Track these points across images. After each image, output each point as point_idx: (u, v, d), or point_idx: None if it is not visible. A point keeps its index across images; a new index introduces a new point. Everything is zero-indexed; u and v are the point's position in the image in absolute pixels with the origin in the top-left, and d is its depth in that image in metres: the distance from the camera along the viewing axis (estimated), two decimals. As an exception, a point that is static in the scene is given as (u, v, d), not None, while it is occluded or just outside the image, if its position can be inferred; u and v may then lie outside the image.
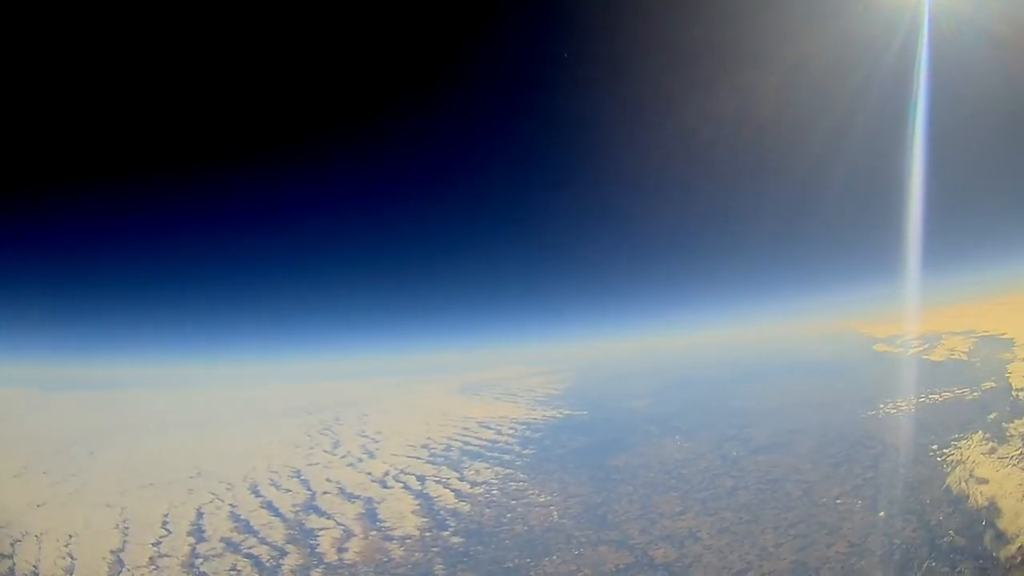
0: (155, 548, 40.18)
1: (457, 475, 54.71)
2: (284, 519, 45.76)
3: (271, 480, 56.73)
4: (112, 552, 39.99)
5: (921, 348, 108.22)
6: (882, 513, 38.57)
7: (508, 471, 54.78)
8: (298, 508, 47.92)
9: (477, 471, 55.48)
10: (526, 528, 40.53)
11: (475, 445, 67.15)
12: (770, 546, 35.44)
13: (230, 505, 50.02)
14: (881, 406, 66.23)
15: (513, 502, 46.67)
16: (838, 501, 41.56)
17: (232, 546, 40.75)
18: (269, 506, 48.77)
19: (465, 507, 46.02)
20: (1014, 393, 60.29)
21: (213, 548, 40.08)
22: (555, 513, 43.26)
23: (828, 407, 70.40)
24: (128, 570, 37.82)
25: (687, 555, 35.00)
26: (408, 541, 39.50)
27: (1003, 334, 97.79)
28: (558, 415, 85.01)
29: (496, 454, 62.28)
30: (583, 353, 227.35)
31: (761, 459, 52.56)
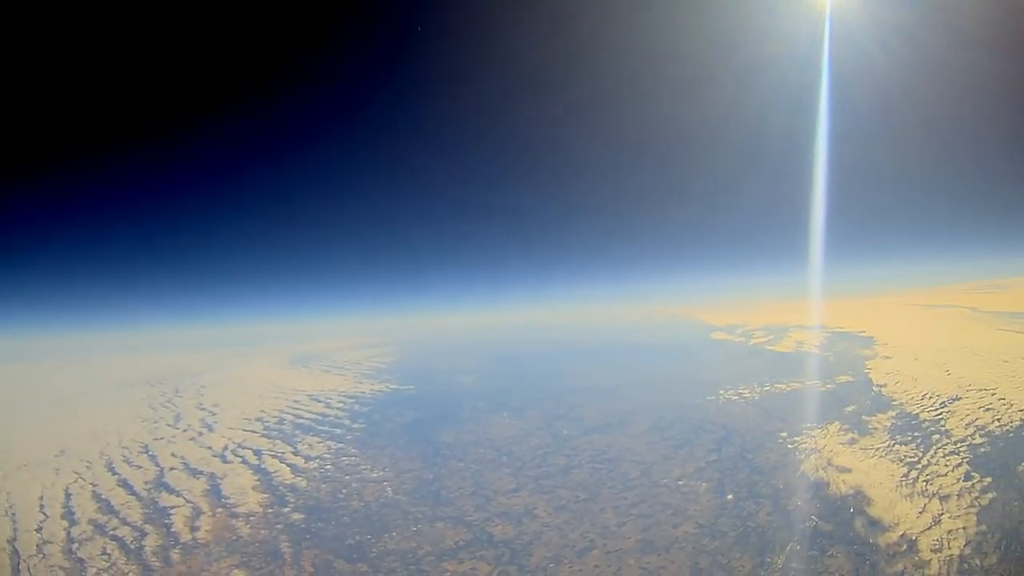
0: (39, 535, 37.38)
1: (292, 449, 53.04)
2: (139, 498, 43.18)
3: (124, 456, 54.23)
4: (9, 542, 36.63)
5: (766, 339, 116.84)
6: (730, 496, 37.96)
7: (340, 445, 53.47)
8: (150, 485, 45.56)
9: (310, 445, 54.09)
10: (362, 504, 38.73)
11: (307, 418, 65.96)
12: (612, 525, 34.46)
13: (92, 485, 47.22)
14: (721, 392, 68.21)
15: (347, 477, 44.83)
16: (680, 483, 40.99)
17: (99, 528, 38.07)
18: (125, 484, 46.18)
19: (302, 483, 44.19)
20: (875, 388, 64.93)
21: (84, 532, 37.35)
22: (389, 489, 41.51)
23: (665, 390, 71.80)
24: (24, 560, 34.64)
25: (526, 532, 33.94)
26: (252, 518, 37.49)
27: (862, 332, 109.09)
28: (385, 389, 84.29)
29: (327, 428, 60.95)
30: (409, 326, 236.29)
31: (594, 439, 52.24)
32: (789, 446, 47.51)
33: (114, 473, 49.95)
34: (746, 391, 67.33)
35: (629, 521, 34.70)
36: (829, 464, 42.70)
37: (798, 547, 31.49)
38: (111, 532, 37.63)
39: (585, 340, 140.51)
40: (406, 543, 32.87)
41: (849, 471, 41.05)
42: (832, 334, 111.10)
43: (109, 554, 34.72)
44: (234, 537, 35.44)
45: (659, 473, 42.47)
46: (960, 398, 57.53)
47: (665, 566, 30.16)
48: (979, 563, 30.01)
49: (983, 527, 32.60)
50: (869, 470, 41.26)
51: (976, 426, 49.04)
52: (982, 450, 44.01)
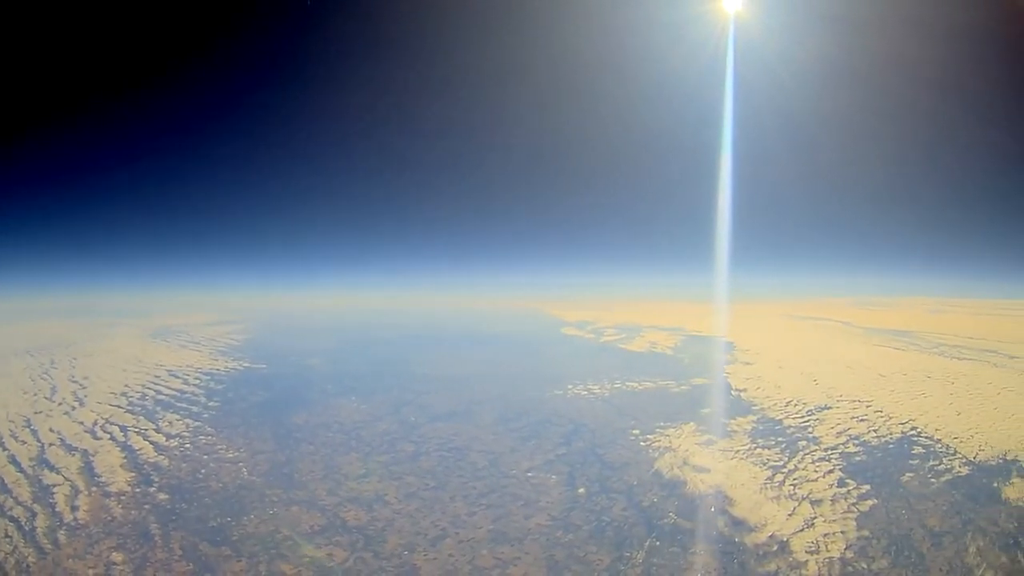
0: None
1: (154, 426, 51.49)
2: (26, 475, 41.36)
3: (11, 431, 51.43)
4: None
5: (617, 337, 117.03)
6: (582, 490, 38.14)
7: (198, 424, 52.17)
8: (34, 462, 43.60)
9: (171, 423, 52.65)
10: (221, 485, 37.77)
11: (166, 395, 64.13)
12: (463, 514, 34.26)
13: (-15, 460, 51.37)
14: (570, 387, 68.22)
15: (205, 457, 43.79)
16: (529, 474, 41.23)
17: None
18: (14, 461, 44.08)
19: (165, 461, 42.80)
20: (734, 392, 66.25)
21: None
22: (244, 470, 40.65)
23: (512, 382, 72.00)
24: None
25: (378, 519, 33.33)
26: (123, 498, 36.03)
27: (721, 336, 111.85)
28: (239, 367, 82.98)
29: (185, 405, 59.30)
30: (264, 303, 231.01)
31: (441, 427, 52.25)
32: (641, 443, 47.77)
33: (4, 448, 47.71)
34: (595, 387, 67.73)
35: (479, 511, 34.66)
36: (685, 463, 43.29)
37: (658, 543, 31.40)
38: (8, 512, 35.47)
39: (436, 327, 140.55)
40: (264, 526, 32.32)
41: (707, 471, 41.89)
42: (688, 337, 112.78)
43: (11, 536, 32.70)
44: (109, 518, 34.10)
45: (507, 464, 42.85)
46: (830, 407, 59.29)
47: (520, 557, 30.06)
48: (866, 567, 30.39)
49: (865, 532, 33.26)
50: (729, 471, 42.21)
51: (849, 435, 50.56)
52: (857, 458, 45.31)
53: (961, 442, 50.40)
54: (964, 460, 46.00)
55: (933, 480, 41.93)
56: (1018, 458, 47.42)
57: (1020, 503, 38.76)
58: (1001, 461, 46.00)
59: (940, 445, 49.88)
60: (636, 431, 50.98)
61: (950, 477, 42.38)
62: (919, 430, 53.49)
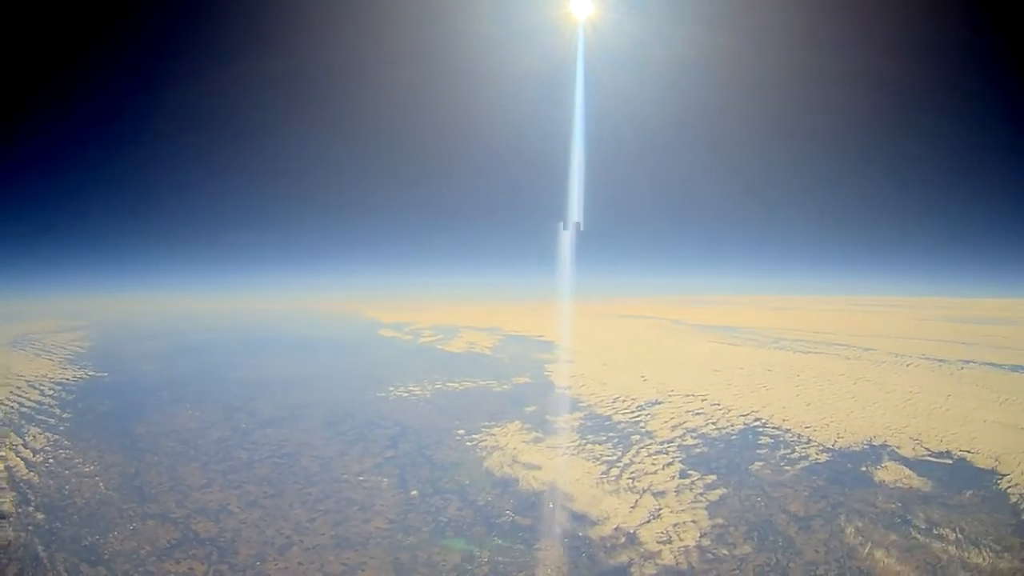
0: None
1: (22, 441, 51.43)
2: None
3: None
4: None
5: (435, 338, 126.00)
6: (415, 492, 40.03)
7: (56, 437, 52.30)
8: None
9: (35, 436, 52.75)
10: (84, 501, 38.35)
11: (28, 407, 64.04)
12: (304, 521, 35.80)
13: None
14: (391, 389, 72.47)
15: (67, 472, 44.15)
16: (361, 478, 43.31)
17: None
18: None
19: (36, 478, 43.00)
20: (558, 391, 71.85)
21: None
22: (101, 484, 41.56)
23: (335, 385, 76.36)
24: None
25: (226, 529, 34.62)
26: (11, 519, 35.59)
27: (540, 336, 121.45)
28: (85, 376, 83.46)
29: (44, 418, 59.39)
30: (105, 308, 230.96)
31: (271, 432, 54.31)
32: (468, 443, 50.60)
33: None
34: (417, 389, 71.58)
35: (319, 517, 36.25)
36: (515, 461, 45.74)
37: (499, 541, 33.37)
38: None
39: (261, 330, 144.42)
40: (128, 543, 33.23)
41: (539, 468, 44.26)
42: (507, 337, 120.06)
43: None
44: (6, 541, 34.01)
45: (338, 468, 44.87)
46: (661, 402, 63.88)
47: (366, 561, 31.57)
48: (728, 553, 32.66)
49: (719, 520, 35.93)
50: (561, 467, 44.71)
51: (685, 428, 54.59)
52: (697, 451, 48.80)
53: (815, 431, 55.23)
54: (821, 448, 49.96)
55: (787, 468, 45.44)
56: (887, 443, 51.95)
57: (900, 484, 42.72)
58: (867, 447, 50.70)
59: (790, 435, 54.22)
60: (461, 431, 54.09)
61: (807, 464, 46.16)
62: (764, 421, 58.37)
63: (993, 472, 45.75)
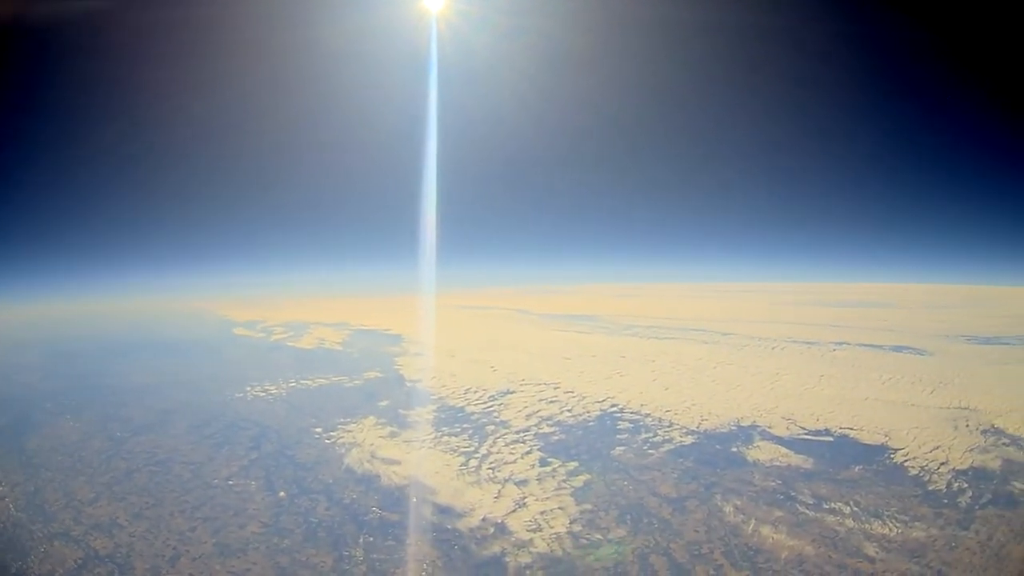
0: None
1: None
2: None
3: None
4: None
5: (286, 335, 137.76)
6: (283, 493, 46.76)
7: None
8: None
9: None
10: (3, 526, 42.48)
11: None
12: (186, 530, 41.41)
13: None
14: (248, 388, 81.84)
15: None
16: (231, 482, 49.73)
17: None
18: None
19: None
20: (409, 384, 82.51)
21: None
22: (11, 506, 45.90)
23: (196, 388, 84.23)
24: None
25: (121, 544, 39.66)
26: None
27: (387, 330, 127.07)
28: None
29: None
30: None
31: (143, 440, 60.57)
32: (326, 441, 58.74)
33: None
34: (272, 388, 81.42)
35: (199, 525, 42.01)
36: (374, 457, 53.51)
37: (371, 539, 39.20)
38: None
39: (121, 334, 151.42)
40: (46, 567, 37.41)
41: (398, 463, 51.74)
42: (355, 331, 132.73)
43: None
44: None
45: (209, 474, 51.30)
46: (513, 392, 74.33)
47: (250, 568, 36.85)
48: (602, 537, 38.94)
49: (587, 506, 42.82)
50: (420, 461, 52.23)
51: (540, 417, 64.25)
52: (555, 438, 57.53)
53: (676, 414, 64.44)
54: (685, 430, 59.23)
55: (651, 451, 53.91)
56: (756, 423, 61.47)
57: (777, 462, 51.07)
58: (735, 428, 60.06)
59: (650, 419, 63.31)
60: (319, 429, 62.23)
61: (671, 447, 55.02)
62: (621, 407, 67.67)
63: (884, 447, 54.74)
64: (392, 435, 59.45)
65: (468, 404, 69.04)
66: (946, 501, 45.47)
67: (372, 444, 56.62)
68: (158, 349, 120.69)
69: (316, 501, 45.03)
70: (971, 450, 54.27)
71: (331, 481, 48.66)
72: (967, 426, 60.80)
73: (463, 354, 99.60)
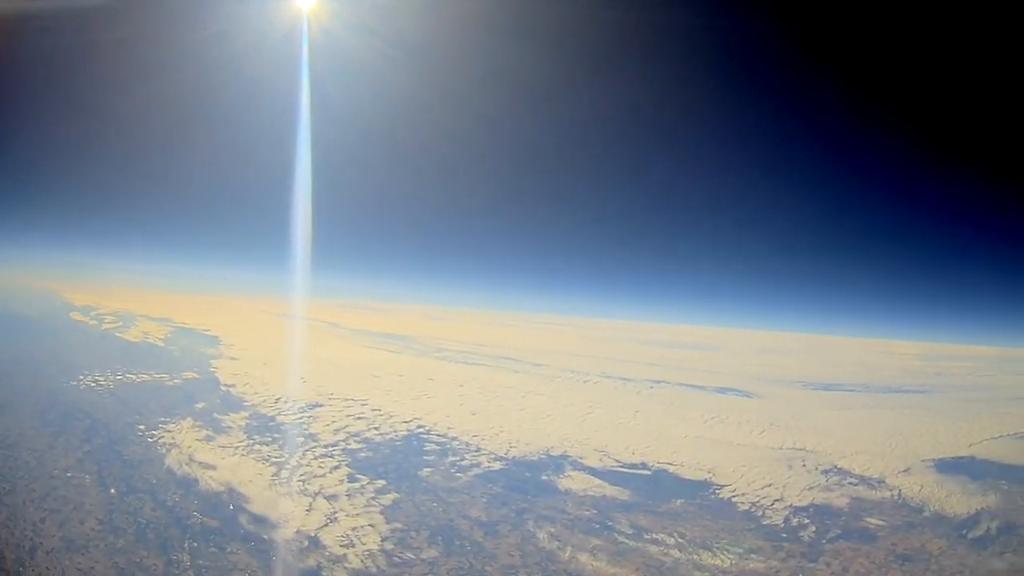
0: None
1: None
2: None
3: None
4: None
5: (116, 325, 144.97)
6: (113, 491, 53.71)
7: None
8: None
9: None
10: None
11: None
12: (37, 520, 47.50)
13: None
14: (81, 377, 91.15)
15: None
16: (68, 474, 56.29)
17: None
18: None
19: None
20: (224, 388, 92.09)
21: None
22: None
23: (37, 371, 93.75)
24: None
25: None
26: None
27: (207, 330, 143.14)
28: None
29: None
30: None
31: None
32: (150, 439, 66.46)
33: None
34: (102, 378, 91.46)
35: (47, 516, 48.03)
36: (191, 460, 61.11)
37: (195, 544, 45.72)
38: None
39: None
40: None
41: (214, 468, 59.54)
42: (177, 328, 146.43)
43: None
44: None
45: (50, 463, 57.79)
46: (322, 405, 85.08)
47: (93, 566, 42.73)
48: (415, 556, 46.31)
49: (398, 524, 50.79)
50: (235, 468, 60.12)
51: (348, 432, 74.01)
52: (363, 455, 67.01)
53: (484, 440, 74.45)
54: (493, 456, 69.32)
55: (460, 475, 63.34)
56: (567, 453, 71.40)
57: (591, 492, 61.00)
58: (545, 457, 70.13)
59: (457, 442, 73.33)
60: (143, 426, 70.09)
61: (480, 471, 64.62)
62: (428, 428, 78.09)
63: (708, 483, 65.49)
64: (208, 439, 68.35)
65: (279, 414, 79.99)
66: (785, 535, 55.74)
67: (190, 447, 64.90)
68: (6, 328, 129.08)
69: (143, 501, 52.31)
70: (810, 488, 66.28)
71: (155, 481, 56.49)
72: (803, 466, 73.77)
73: (276, 362, 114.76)
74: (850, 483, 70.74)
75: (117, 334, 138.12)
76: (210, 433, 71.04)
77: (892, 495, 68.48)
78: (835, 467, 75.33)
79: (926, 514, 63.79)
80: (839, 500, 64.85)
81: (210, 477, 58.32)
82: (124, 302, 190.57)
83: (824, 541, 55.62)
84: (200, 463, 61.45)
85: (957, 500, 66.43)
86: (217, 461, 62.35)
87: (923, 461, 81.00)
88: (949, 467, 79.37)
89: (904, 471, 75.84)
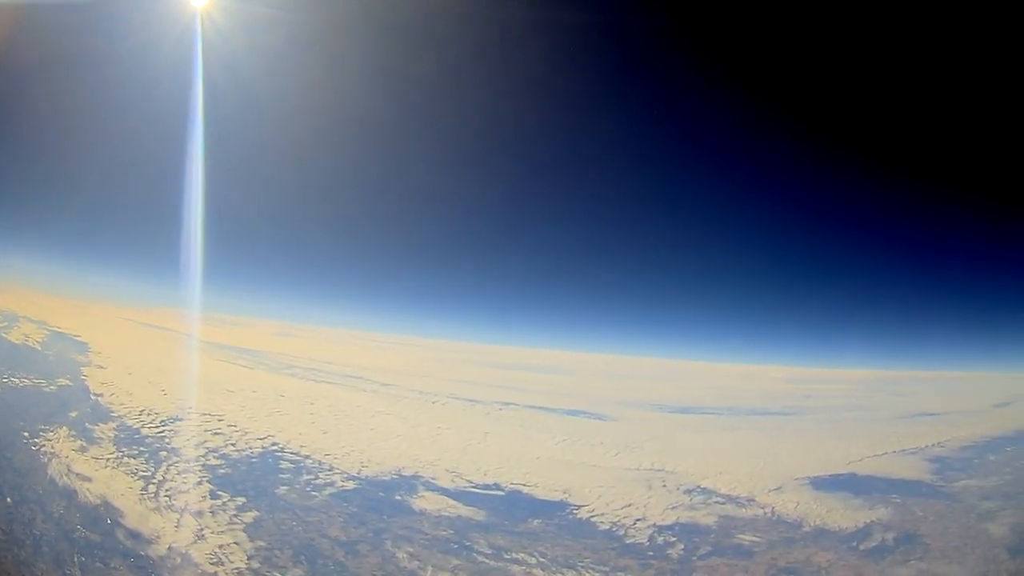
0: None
1: None
2: None
3: None
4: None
5: (2, 325, 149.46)
6: (9, 499, 59.97)
7: None
8: None
9: None
10: None
11: None
12: None
13: None
14: None
15: None
16: None
17: None
18: None
19: None
20: (93, 396, 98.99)
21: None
22: None
23: None
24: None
25: None
26: None
27: (77, 335, 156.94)
28: None
29: None
30: None
31: None
32: (33, 447, 73.43)
33: None
34: None
35: None
36: (70, 471, 67.83)
37: (83, 559, 52.84)
38: None
39: None
40: None
41: (90, 480, 66.23)
42: (52, 332, 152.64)
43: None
44: None
45: None
46: (182, 419, 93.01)
47: None
48: (281, 575, 53.39)
49: (261, 542, 58.91)
50: (108, 480, 67.08)
51: (207, 447, 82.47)
52: (222, 471, 75.42)
53: (336, 459, 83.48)
54: (347, 475, 78.44)
55: (315, 493, 71.55)
56: (419, 473, 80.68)
57: (446, 512, 71.26)
58: (397, 477, 79.67)
59: (311, 461, 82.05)
60: (26, 433, 76.97)
61: (334, 490, 73.31)
62: (281, 446, 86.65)
63: (564, 503, 74.97)
64: (82, 449, 76.65)
65: (144, 426, 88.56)
66: (652, 553, 64.83)
67: (67, 457, 72.57)
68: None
69: (35, 512, 59.47)
70: (673, 508, 76.80)
71: (42, 491, 63.29)
72: (664, 486, 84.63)
73: (139, 373, 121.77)
74: (716, 502, 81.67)
75: (3, 335, 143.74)
76: (84, 444, 79.90)
77: (764, 512, 79.96)
78: (698, 487, 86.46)
79: (806, 529, 75.42)
80: (706, 518, 75.75)
81: (88, 490, 66.11)
82: (9, 301, 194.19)
83: (695, 558, 65.99)
84: (77, 474, 69.59)
85: (841, 515, 78.03)
86: (92, 473, 70.62)
87: (796, 479, 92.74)
88: (827, 484, 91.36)
89: (775, 489, 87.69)
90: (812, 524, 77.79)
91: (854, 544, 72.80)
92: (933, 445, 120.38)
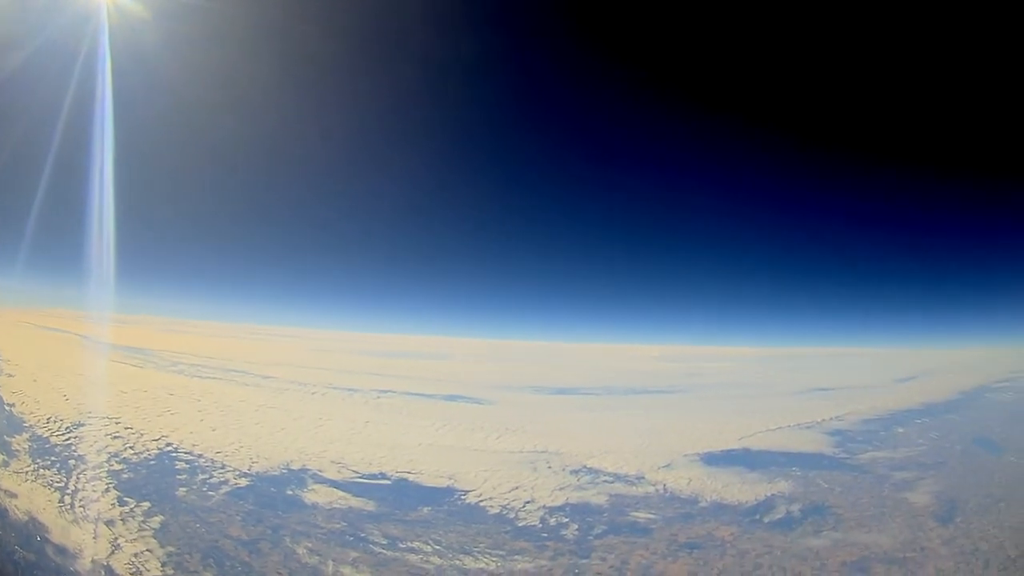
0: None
1: None
2: None
3: None
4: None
5: None
6: None
7: None
8: None
9: None
10: None
11: None
12: None
13: None
14: None
15: None
16: None
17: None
18: None
19: None
20: (7, 407, 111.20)
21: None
22: None
23: None
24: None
25: None
26: None
27: None
28: None
29: None
30: None
31: None
32: None
33: None
34: None
35: None
36: (0, 488, 72.26)
37: None
38: None
39: None
40: None
41: (16, 496, 74.01)
42: None
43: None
44: None
45: None
46: (83, 424, 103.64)
47: None
48: None
49: (171, 548, 66.89)
50: (30, 495, 74.66)
51: (109, 453, 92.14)
52: (125, 476, 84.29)
53: (227, 456, 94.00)
54: (239, 473, 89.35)
55: (212, 493, 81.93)
56: (307, 467, 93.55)
57: (337, 505, 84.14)
58: (287, 471, 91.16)
59: (204, 460, 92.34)
60: None
61: (229, 489, 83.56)
62: (175, 446, 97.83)
63: (451, 489, 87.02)
64: (4, 464, 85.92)
65: (52, 435, 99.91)
66: (546, 535, 74.40)
67: None
68: None
69: None
70: (561, 488, 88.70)
71: None
72: (549, 467, 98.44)
73: (43, 378, 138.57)
74: (605, 481, 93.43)
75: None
76: (5, 458, 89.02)
77: (656, 489, 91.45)
78: (584, 467, 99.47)
79: (703, 504, 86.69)
80: (597, 498, 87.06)
81: (15, 506, 73.49)
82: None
83: (591, 538, 75.87)
84: (4, 491, 78.13)
85: (738, 489, 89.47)
86: (16, 488, 79.33)
87: (686, 456, 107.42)
88: (719, 459, 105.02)
89: (665, 466, 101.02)
90: (709, 499, 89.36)
91: (757, 517, 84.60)
92: (831, 419, 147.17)
